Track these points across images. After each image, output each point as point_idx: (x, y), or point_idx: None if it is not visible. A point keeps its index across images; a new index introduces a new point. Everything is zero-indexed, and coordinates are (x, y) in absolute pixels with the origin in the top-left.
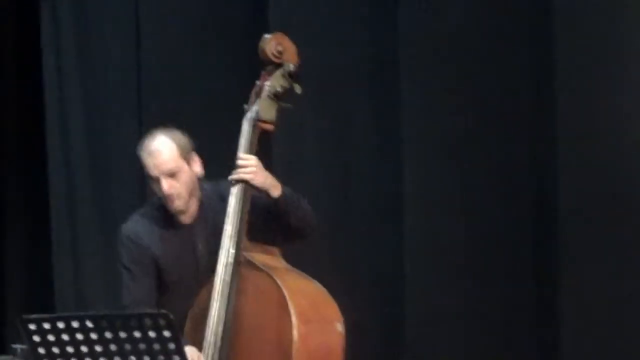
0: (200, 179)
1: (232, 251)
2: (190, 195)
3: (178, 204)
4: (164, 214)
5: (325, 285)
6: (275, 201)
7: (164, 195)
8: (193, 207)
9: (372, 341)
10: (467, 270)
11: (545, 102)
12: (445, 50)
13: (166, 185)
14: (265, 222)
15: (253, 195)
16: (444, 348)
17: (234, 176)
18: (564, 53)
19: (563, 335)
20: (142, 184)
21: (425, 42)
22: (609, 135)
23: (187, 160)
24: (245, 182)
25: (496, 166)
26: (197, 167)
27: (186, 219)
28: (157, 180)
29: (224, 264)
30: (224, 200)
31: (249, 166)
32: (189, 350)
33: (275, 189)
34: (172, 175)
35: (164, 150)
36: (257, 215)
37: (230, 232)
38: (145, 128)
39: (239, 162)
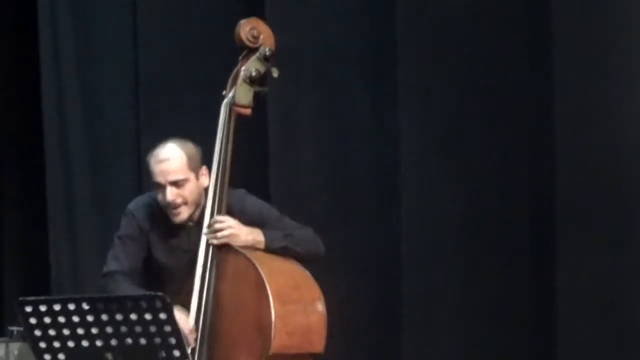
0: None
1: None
2: (195, 205)
3: (182, 215)
4: None
5: (320, 265)
6: (266, 249)
7: (166, 203)
8: (196, 214)
9: (368, 320)
10: (464, 250)
11: (544, 81)
12: (444, 33)
13: (170, 194)
14: None
15: (260, 218)
16: (440, 327)
17: (213, 242)
18: (562, 47)
19: (559, 310)
20: (139, 167)
21: (423, 24)
22: (606, 125)
23: (195, 172)
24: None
25: (494, 147)
26: (205, 179)
27: (187, 221)
28: (162, 188)
29: (204, 248)
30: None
31: (226, 228)
32: (177, 314)
33: (258, 242)
34: (177, 185)
35: (172, 159)
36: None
37: (209, 219)
38: (142, 107)
39: (216, 225)
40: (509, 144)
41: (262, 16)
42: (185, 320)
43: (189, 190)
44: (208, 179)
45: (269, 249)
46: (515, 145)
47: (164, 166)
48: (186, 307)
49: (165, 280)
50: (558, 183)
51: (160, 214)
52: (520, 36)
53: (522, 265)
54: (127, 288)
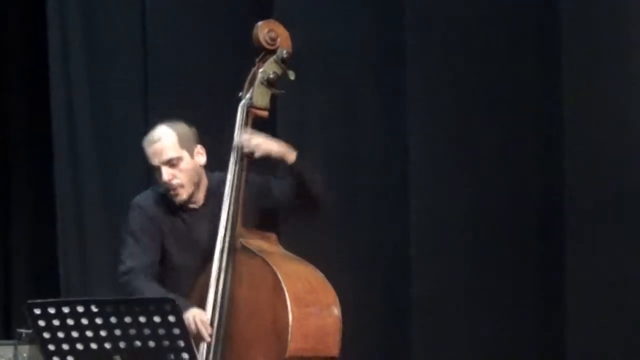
0: (205, 169)
1: (227, 238)
2: (194, 185)
3: (181, 195)
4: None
5: (329, 265)
6: (291, 167)
7: (164, 185)
8: (199, 195)
9: (377, 321)
10: (473, 249)
11: (552, 76)
12: (453, 30)
13: (166, 174)
14: (279, 203)
15: (265, 185)
16: (449, 327)
17: (245, 151)
18: (571, 45)
19: (568, 313)
20: (148, 169)
21: (431, 25)
22: (615, 122)
23: (189, 149)
24: (264, 155)
25: (502, 145)
26: (201, 158)
27: (192, 204)
28: (158, 170)
29: (220, 250)
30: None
31: (259, 139)
32: (195, 311)
33: (290, 154)
34: (172, 164)
35: (163, 139)
36: (271, 199)
37: (225, 220)
38: (150, 114)
39: (245, 141)
40: (517, 141)
41: (269, 16)
42: (202, 313)
43: (184, 169)
44: (205, 157)
45: (300, 162)
46: (524, 143)
47: (155, 147)
48: (200, 306)
49: (177, 276)
50: (566, 180)
51: (165, 201)
52: (529, 33)
53: (530, 262)
54: (149, 286)
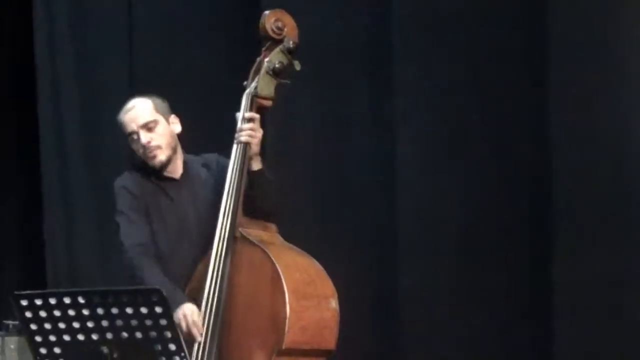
0: (180, 144)
1: (227, 227)
2: (171, 149)
3: (159, 156)
4: (152, 169)
5: (317, 257)
6: (253, 175)
7: (143, 148)
8: (177, 163)
9: (365, 313)
10: (460, 241)
11: (541, 76)
12: (442, 29)
13: (144, 137)
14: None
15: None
16: (436, 318)
17: (241, 138)
18: (563, 46)
19: (557, 312)
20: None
21: (421, 17)
22: (604, 124)
23: (164, 116)
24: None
25: (492, 143)
26: (176, 126)
27: (171, 173)
28: (136, 136)
29: (219, 239)
30: (208, 168)
31: (255, 132)
32: (189, 307)
33: (257, 162)
34: (149, 128)
35: (138, 105)
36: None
37: (225, 208)
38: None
39: (244, 125)
40: (507, 137)
41: (257, 9)
42: (194, 311)
43: (161, 133)
44: (180, 126)
45: (262, 174)
46: (514, 139)
47: (132, 113)
48: (198, 295)
49: (166, 264)
50: (555, 179)
51: (146, 177)
52: (520, 31)
53: (519, 258)
54: (152, 273)
